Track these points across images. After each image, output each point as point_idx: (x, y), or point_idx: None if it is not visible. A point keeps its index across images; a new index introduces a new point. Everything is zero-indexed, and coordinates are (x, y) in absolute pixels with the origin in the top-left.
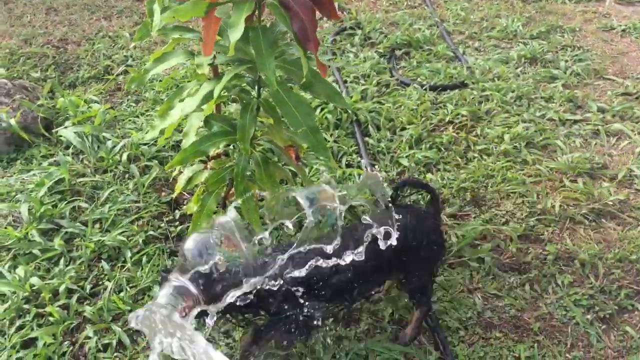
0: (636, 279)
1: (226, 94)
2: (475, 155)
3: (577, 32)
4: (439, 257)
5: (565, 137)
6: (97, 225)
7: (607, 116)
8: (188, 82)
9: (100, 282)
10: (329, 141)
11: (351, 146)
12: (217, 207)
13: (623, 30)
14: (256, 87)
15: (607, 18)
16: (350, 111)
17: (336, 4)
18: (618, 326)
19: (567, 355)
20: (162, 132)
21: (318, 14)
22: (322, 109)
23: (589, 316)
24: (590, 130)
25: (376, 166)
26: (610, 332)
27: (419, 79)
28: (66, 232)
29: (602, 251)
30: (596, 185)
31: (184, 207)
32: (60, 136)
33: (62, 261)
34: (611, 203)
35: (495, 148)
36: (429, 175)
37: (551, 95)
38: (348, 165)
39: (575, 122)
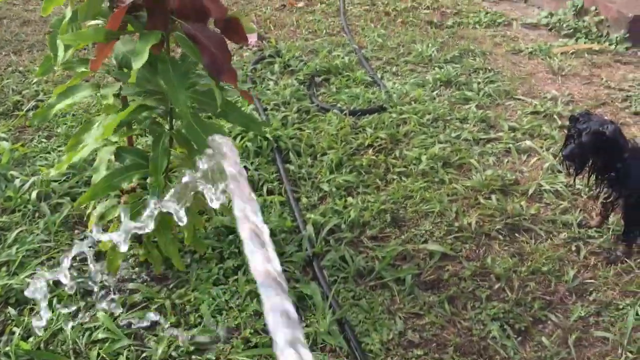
0: (548, 290)
1: (136, 126)
2: (395, 177)
3: (488, 55)
4: None
5: (480, 155)
6: (4, 269)
7: (518, 134)
8: (98, 115)
9: (7, 328)
10: (249, 169)
11: (272, 173)
12: (133, 243)
13: (530, 53)
14: (168, 119)
15: (515, 41)
16: (270, 138)
17: (255, 34)
18: (533, 337)
19: None
20: (70, 167)
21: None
22: (242, 138)
23: (505, 329)
24: (503, 149)
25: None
26: (526, 344)
27: (338, 105)
28: None
29: (516, 264)
30: (509, 201)
31: (98, 244)
32: None
33: None
34: (523, 217)
35: (414, 169)
36: (349, 199)
37: (465, 116)
38: (269, 193)
39: (489, 141)
